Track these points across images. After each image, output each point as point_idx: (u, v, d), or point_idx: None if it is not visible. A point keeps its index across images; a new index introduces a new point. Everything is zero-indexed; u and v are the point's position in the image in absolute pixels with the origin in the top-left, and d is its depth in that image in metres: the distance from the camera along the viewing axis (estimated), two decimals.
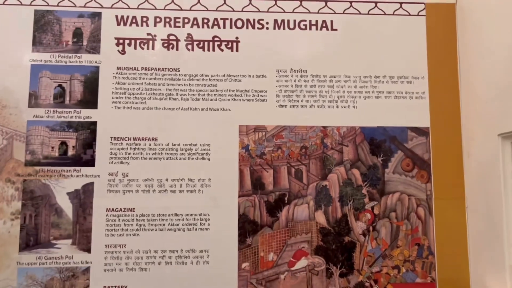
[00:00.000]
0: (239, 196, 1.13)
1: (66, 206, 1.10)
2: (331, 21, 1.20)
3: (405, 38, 1.20)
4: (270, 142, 1.15)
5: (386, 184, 1.15)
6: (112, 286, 1.08)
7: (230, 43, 1.18)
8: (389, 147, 1.16)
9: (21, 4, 1.14)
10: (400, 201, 1.14)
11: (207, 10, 1.18)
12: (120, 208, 1.10)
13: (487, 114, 1.09)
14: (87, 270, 1.08)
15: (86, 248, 1.09)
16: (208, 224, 1.12)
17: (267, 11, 1.19)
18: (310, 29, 1.19)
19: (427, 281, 1.12)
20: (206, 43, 1.17)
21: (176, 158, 1.13)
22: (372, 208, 1.14)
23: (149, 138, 1.13)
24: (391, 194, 1.15)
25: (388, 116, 1.17)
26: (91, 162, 1.11)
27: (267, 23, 1.19)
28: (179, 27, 1.17)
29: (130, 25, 1.16)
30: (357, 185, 1.15)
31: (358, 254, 1.13)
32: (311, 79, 1.17)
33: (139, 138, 1.13)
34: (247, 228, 1.12)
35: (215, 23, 1.18)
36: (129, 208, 1.11)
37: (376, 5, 1.21)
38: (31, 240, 1.08)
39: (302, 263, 1.12)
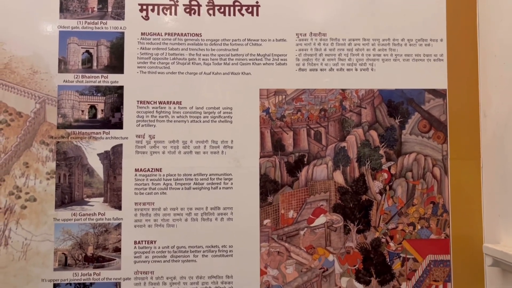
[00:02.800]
0: (260, 157, 1.18)
1: (97, 166, 1.16)
2: None
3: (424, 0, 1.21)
4: (290, 105, 1.19)
5: (403, 145, 1.18)
6: (142, 241, 1.15)
7: (250, 8, 1.20)
8: (407, 109, 1.19)
9: None
10: (416, 161, 1.18)
11: None
12: (148, 169, 1.16)
13: (505, 75, 1.10)
14: (118, 226, 1.15)
15: (117, 205, 1.15)
16: (231, 184, 1.17)
17: None
18: None
19: (441, 237, 1.17)
20: (227, 8, 1.20)
21: (200, 121, 1.18)
22: (389, 168, 1.18)
23: (174, 101, 1.18)
24: (407, 155, 1.18)
25: (406, 79, 1.19)
26: (119, 125, 1.17)
27: None
28: None
29: None
30: (375, 146, 1.18)
31: (374, 212, 1.18)
32: (330, 42, 1.19)
33: (164, 101, 1.18)
34: (268, 187, 1.18)
35: None
36: (156, 168, 1.17)
37: None
38: (66, 198, 1.15)
39: (321, 220, 1.18)
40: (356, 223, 1.17)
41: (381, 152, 1.18)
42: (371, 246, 1.17)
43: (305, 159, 1.18)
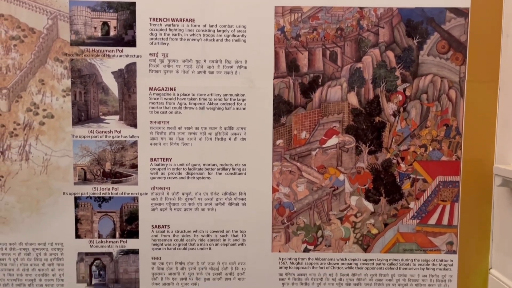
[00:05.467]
0: (274, 78, 1.17)
1: (112, 84, 1.17)
2: None
3: None
4: (305, 24, 1.16)
5: (419, 66, 1.16)
6: (158, 158, 1.18)
7: None
8: (426, 28, 1.15)
9: None
10: (432, 83, 1.17)
11: None
12: (162, 87, 1.17)
13: None
14: (134, 143, 1.18)
15: (133, 123, 1.17)
16: (245, 104, 1.18)
17: None
18: None
19: (452, 159, 1.18)
20: None
21: (213, 40, 1.16)
22: (404, 89, 1.17)
23: (187, 19, 1.15)
24: (424, 76, 1.16)
25: None
26: (132, 43, 1.16)
27: None
28: None
29: None
30: (391, 67, 1.17)
31: (387, 134, 1.18)
32: None
33: (177, 19, 1.15)
34: (282, 108, 1.18)
35: None
36: (170, 87, 1.17)
37: None
38: (82, 115, 1.17)
39: (333, 141, 1.19)
40: (368, 144, 1.18)
41: (397, 73, 1.16)
42: (381, 167, 1.19)
43: (320, 80, 1.17)
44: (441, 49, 1.16)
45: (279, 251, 1.21)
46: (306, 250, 1.21)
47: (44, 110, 1.15)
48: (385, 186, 1.19)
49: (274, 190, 1.19)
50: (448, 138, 1.18)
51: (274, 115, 1.18)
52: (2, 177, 1.16)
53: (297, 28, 1.16)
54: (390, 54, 1.16)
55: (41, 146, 1.16)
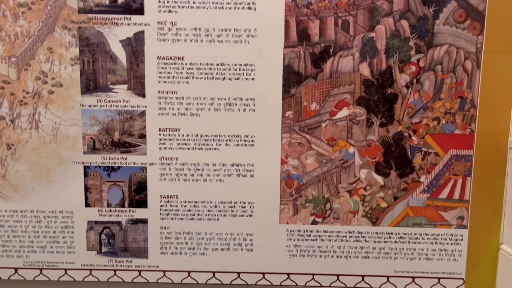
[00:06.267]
0: (284, 47, 1.15)
1: (120, 53, 1.15)
2: None
3: None
4: None
5: (434, 36, 1.12)
6: (166, 128, 1.18)
7: None
8: None
9: None
10: (447, 54, 1.13)
11: None
12: (170, 57, 1.15)
13: None
14: (143, 113, 1.17)
15: (141, 93, 1.16)
16: (254, 74, 1.16)
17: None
18: None
19: (466, 133, 1.15)
20: None
21: (222, 8, 1.13)
22: (418, 60, 1.13)
23: None
24: (439, 47, 1.13)
25: None
26: (140, 10, 1.14)
27: None
28: None
29: None
30: (405, 37, 1.13)
31: (399, 106, 1.16)
32: None
33: None
34: (291, 79, 1.16)
35: None
36: (178, 57, 1.15)
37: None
38: (90, 84, 1.16)
39: (344, 112, 1.17)
40: (379, 117, 1.16)
41: (411, 43, 1.13)
42: (393, 140, 1.17)
43: (331, 50, 1.14)
44: (458, 18, 1.12)
45: (287, 223, 1.20)
46: (314, 223, 1.20)
47: (53, 78, 1.15)
48: (395, 159, 1.17)
49: (283, 162, 1.18)
50: (462, 110, 1.15)
51: (283, 86, 1.16)
52: (13, 145, 1.17)
53: None
54: (405, 23, 1.12)
55: (50, 115, 1.16)
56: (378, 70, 1.14)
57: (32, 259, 1.22)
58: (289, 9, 1.13)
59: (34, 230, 1.21)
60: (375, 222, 1.20)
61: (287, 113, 1.17)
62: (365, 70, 1.15)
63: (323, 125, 1.17)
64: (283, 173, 1.19)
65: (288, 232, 1.21)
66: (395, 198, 1.19)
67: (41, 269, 1.22)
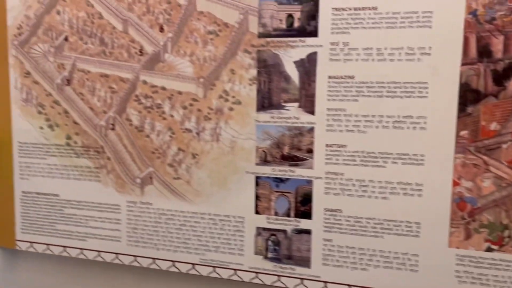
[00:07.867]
0: (462, 65, 1.11)
1: (293, 73, 1.24)
2: None
3: None
4: (502, 6, 1.06)
5: None
6: (333, 144, 1.22)
7: None
8: None
9: None
10: None
11: None
12: (341, 76, 1.20)
13: None
14: (311, 129, 1.24)
15: (311, 110, 1.23)
16: (427, 92, 1.14)
17: None
18: None
19: None
20: None
21: (396, 27, 1.14)
22: None
23: (369, 7, 1.15)
24: None
25: None
26: (314, 33, 1.20)
27: None
28: None
29: None
30: None
31: None
32: None
33: (359, 8, 1.16)
34: (468, 97, 1.11)
35: None
36: (349, 76, 1.19)
37: None
38: (265, 102, 1.27)
39: None
40: None
41: None
42: None
43: None
44: None
45: (457, 247, 1.15)
46: (489, 250, 1.13)
47: (233, 97, 1.28)
48: None
49: (455, 184, 1.13)
50: None
51: (459, 104, 1.11)
52: (197, 155, 1.33)
53: (492, 10, 1.07)
54: None
55: (229, 129, 1.30)
56: None
57: (207, 257, 1.37)
58: (469, 25, 1.09)
59: (210, 231, 1.35)
60: None
61: (462, 133, 1.12)
62: None
63: (504, 146, 1.10)
64: (454, 194, 1.14)
65: (458, 257, 1.15)
66: None
67: (214, 267, 1.37)
